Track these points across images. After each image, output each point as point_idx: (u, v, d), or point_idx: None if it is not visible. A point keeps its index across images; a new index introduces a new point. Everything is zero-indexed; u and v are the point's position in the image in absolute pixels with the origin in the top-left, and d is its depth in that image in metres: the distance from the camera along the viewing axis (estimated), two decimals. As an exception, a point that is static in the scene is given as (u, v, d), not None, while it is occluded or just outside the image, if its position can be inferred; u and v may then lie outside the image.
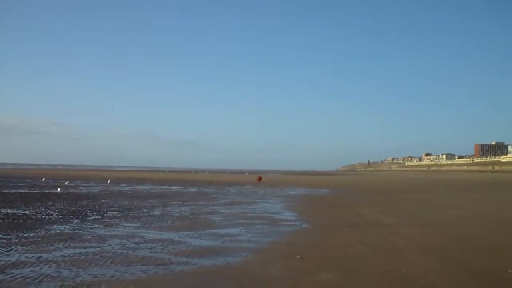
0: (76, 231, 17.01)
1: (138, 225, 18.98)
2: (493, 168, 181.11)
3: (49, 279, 10.24)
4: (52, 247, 13.73)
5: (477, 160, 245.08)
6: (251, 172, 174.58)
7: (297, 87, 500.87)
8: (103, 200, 30.85)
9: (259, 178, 76.22)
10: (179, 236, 16.13)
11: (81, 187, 46.83)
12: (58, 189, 40.14)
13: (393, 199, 36.11)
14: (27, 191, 39.66)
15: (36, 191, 39.80)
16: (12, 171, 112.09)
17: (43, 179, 61.89)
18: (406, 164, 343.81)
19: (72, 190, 41.27)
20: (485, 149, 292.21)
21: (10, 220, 19.59)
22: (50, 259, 12.16)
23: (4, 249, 13.36)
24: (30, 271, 10.85)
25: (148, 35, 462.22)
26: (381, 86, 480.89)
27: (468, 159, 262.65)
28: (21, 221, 19.51)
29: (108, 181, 57.47)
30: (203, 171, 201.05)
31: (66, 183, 53.67)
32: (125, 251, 13.26)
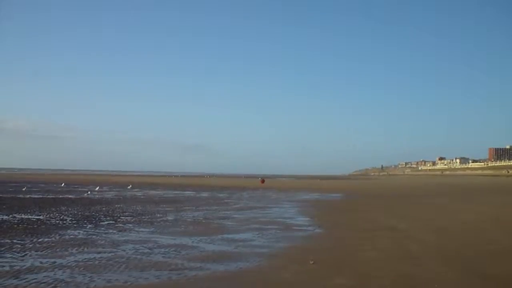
0: (90, 236, 17.13)
1: (151, 230, 19.05)
2: (508, 172, 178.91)
3: (63, 284, 10.31)
4: (66, 252, 13.83)
5: (492, 164, 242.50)
6: (264, 177, 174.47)
7: (310, 89, 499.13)
8: (116, 205, 31.01)
9: (263, 181, 77.03)
10: (193, 241, 16.16)
11: (94, 192, 47.15)
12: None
13: (406, 203, 35.85)
14: (41, 196, 40.06)
15: (51, 196, 40.17)
16: (25, 175, 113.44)
17: (63, 184, 61.99)
18: (419, 168, 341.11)
19: (85, 195, 41.58)
20: (500, 153, 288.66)
21: (25, 225, 19.80)
22: (64, 264, 12.25)
23: (19, 254, 13.49)
24: (45, 276, 10.94)
25: (158, 34, 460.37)
26: (393, 89, 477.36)
27: (482, 163, 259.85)
28: (35, 226, 19.71)
29: (130, 186, 57.49)
30: (216, 175, 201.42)
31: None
32: (138, 256, 13.32)
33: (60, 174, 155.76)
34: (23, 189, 49.84)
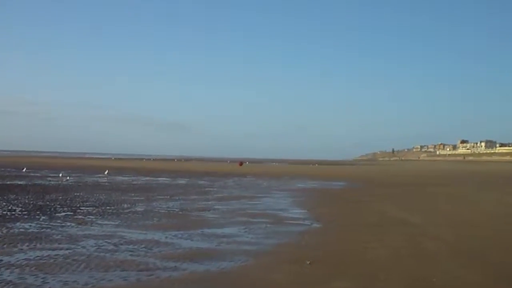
0: (44, 229, 17.02)
1: (117, 223, 18.98)
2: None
3: (11, 286, 10.23)
4: (14, 249, 13.72)
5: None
6: (252, 161, 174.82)
7: (305, 60, 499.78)
8: (75, 194, 30.88)
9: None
10: (166, 237, 16.12)
11: (49, 178, 46.92)
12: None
13: (421, 193, 36.09)
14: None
15: (-3, 182, 39.91)
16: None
17: (24, 169, 60.43)
18: (437, 153, 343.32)
19: (39, 181, 41.32)
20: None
21: (-35, 217, 19.62)
22: (12, 263, 12.16)
23: (-42, 251, 13.38)
24: (-11, 277, 10.85)
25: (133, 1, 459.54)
26: (407, 59, 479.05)
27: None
28: (-22, 217, 19.56)
29: (106, 172, 57.21)
30: (197, 159, 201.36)
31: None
32: (101, 254, 13.26)
33: (19, 156, 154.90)
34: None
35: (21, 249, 13.77)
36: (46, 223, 18.48)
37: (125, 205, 24.98)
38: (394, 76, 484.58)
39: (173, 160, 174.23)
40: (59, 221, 19.21)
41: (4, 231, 16.59)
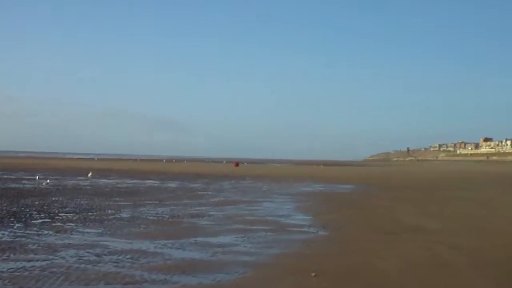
0: (18, 238, 16.98)
1: (100, 231, 18.96)
2: None
3: (-18, 302, 10.24)
4: (-14, 260, 13.73)
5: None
6: (251, 162, 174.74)
7: (308, 50, 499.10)
8: (54, 198, 30.85)
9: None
10: (155, 246, 16.12)
11: (25, 180, 46.86)
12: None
13: (439, 197, 36.08)
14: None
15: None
16: None
17: None
18: (457, 152, 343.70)
19: (13, 185, 41.29)
20: None
21: None
22: (-17, 275, 12.15)
23: None
24: (-43, 292, 10.86)
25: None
26: (425, 51, 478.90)
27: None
28: None
29: (90, 174, 57.28)
30: (190, 160, 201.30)
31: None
32: (82, 266, 13.24)
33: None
34: None
35: (-7, 260, 13.78)
36: (21, 231, 18.43)
37: (109, 211, 24.96)
38: (409, 67, 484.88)
39: (162, 160, 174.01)
40: (35, 229, 19.18)
41: (-26, 240, 16.60)
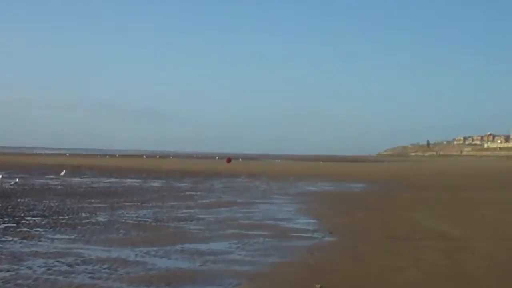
0: (-22, 246, 17.00)
1: (73, 237, 18.96)
2: None
3: None
4: None
5: None
6: (247, 157, 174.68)
7: (321, 29, 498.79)
8: (19, 200, 30.80)
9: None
10: (136, 254, 16.12)
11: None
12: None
13: (464, 199, 36.12)
14: None
15: None
16: None
17: None
18: (485, 146, 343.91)
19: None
20: None
21: None
22: None
23: None
24: None
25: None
26: (449, 30, 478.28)
27: None
28: None
29: (63, 172, 57.23)
30: (176, 155, 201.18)
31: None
32: (52, 277, 13.21)
33: None
34: None
35: (-51, 270, 13.77)
36: (-19, 238, 18.46)
37: (83, 214, 24.95)
38: (428, 49, 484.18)
39: (142, 156, 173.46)
40: (-3, 234, 19.21)
41: None
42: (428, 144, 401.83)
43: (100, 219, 23.67)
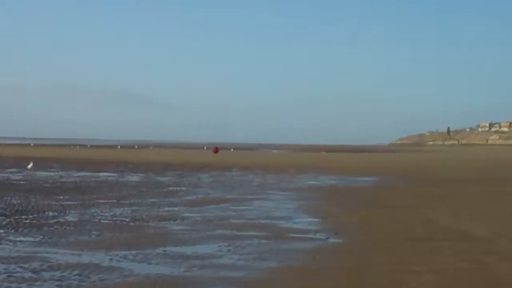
0: None
1: (38, 239, 18.94)
2: None
3: None
4: None
5: None
6: (240, 147, 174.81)
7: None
8: (-24, 197, 30.83)
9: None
10: (111, 259, 16.11)
11: None
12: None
13: (488, 194, 36.19)
14: None
15: None
16: None
17: None
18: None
19: None
20: None
21: None
22: None
23: None
24: None
25: None
26: (475, 13, 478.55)
27: None
28: None
29: (31, 165, 57.29)
30: (154, 144, 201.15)
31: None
32: (14, 285, 13.21)
33: None
34: None
35: None
36: None
37: (50, 213, 24.97)
38: (449, 25, 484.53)
39: (117, 147, 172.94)
40: (-49, 237, 19.20)
41: None
42: (448, 131, 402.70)
43: (70, 218, 23.69)
